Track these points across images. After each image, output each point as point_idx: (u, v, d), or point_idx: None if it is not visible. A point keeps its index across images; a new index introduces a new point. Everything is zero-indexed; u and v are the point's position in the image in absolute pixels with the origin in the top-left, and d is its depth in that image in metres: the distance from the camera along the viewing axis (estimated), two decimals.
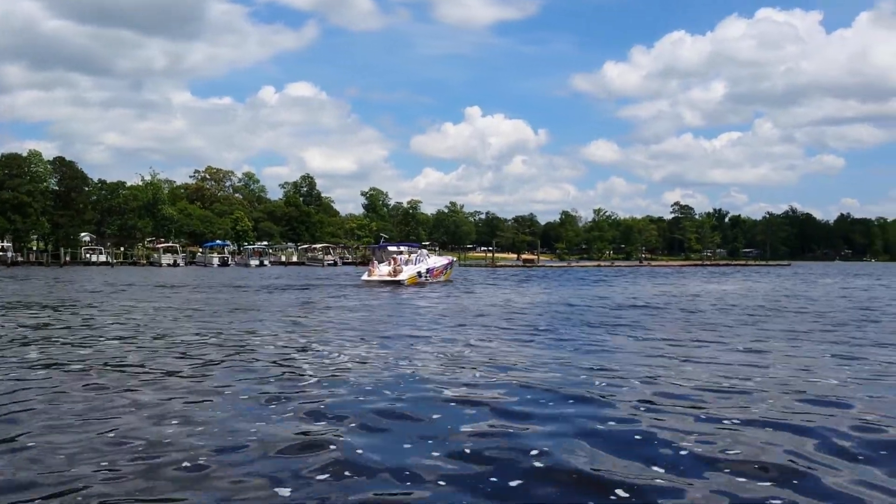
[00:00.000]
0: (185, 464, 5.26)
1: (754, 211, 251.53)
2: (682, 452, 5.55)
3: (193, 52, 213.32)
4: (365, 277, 37.52)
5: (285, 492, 4.73)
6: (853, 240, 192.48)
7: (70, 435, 6.02)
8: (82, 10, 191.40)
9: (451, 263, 46.28)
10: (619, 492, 4.74)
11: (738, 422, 6.50)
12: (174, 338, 12.89)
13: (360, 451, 5.56)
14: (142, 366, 9.66)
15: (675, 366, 9.79)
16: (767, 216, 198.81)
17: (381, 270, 37.90)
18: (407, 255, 39.80)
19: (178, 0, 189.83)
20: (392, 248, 43.32)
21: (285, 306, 21.54)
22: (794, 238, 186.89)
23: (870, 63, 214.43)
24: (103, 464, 5.24)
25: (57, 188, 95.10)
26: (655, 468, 5.21)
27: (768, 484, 4.89)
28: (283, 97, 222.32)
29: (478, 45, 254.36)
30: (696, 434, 6.08)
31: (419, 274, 37.89)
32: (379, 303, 23.28)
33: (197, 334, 13.46)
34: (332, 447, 5.68)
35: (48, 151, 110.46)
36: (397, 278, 36.11)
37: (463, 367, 9.61)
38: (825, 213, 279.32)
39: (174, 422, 6.48)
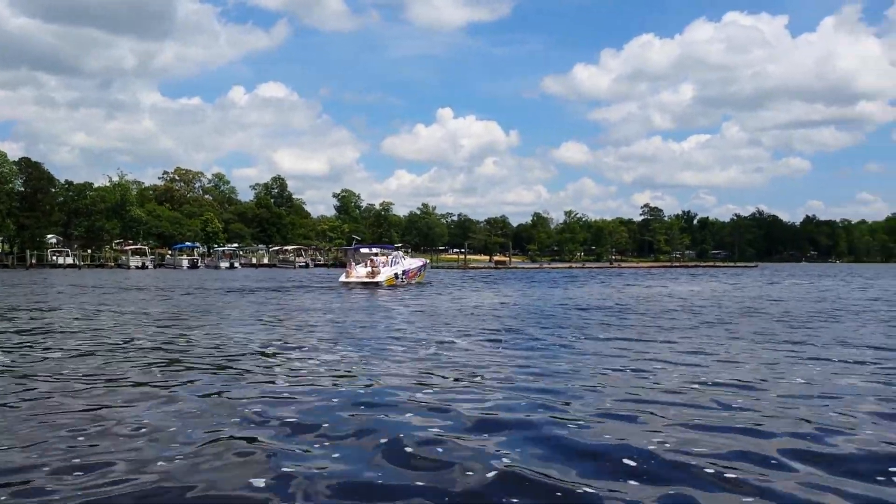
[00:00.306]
0: (143, 466, 5.23)
1: (723, 213, 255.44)
2: (649, 457, 5.59)
3: (163, 52, 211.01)
4: (342, 279, 37.62)
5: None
6: (819, 241, 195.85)
7: (28, 450, 5.96)
8: (49, 8, 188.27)
9: (424, 266, 46.45)
10: (583, 495, 4.79)
11: (706, 425, 6.58)
12: (136, 342, 12.73)
13: (321, 460, 5.56)
14: (99, 372, 9.54)
15: (645, 368, 9.89)
16: (735, 218, 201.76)
17: (359, 272, 37.99)
18: (384, 257, 39.88)
19: None
20: (364, 251, 43.37)
21: (257, 309, 21.40)
22: (761, 240, 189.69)
23: (834, 67, 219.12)
24: (57, 469, 5.20)
25: (22, 189, 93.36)
26: (622, 472, 5.26)
27: (732, 476, 4.99)
28: (253, 98, 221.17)
29: (449, 47, 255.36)
30: (663, 438, 6.15)
31: (396, 276, 38.01)
32: (356, 305, 23.25)
33: (160, 339, 13.32)
34: (282, 452, 5.67)
35: (13, 152, 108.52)
36: (375, 280, 36.22)
37: (433, 371, 9.62)
38: (792, 215, 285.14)
39: (133, 427, 6.40)
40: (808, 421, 6.72)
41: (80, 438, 6.06)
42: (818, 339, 13.32)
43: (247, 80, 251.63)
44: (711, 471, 5.23)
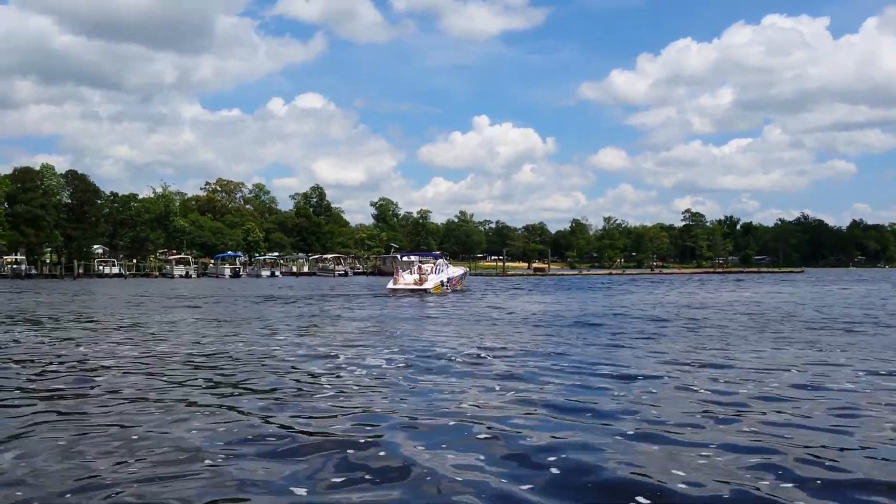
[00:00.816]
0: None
1: (766, 218, 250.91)
2: (698, 486, 5.39)
3: (202, 66, 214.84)
4: (390, 286, 38.13)
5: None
6: (866, 246, 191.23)
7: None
8: (92, 25, 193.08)
9: (465, 274, 46.80)
10: None
11: (755, 447, 6.35)
12: (177, 353, 12.78)
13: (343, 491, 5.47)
14: (159, 381, 9.59)
15: (691, 382, 9.53)
16: (779, 223, 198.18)
17: (406, 279, 38.50)
18: (429, 265, 40.28)
19: (186, 14, 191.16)
20: (406, 258, 43.94)
21: (308, 316, 21.67)
22: (805, 245, 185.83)
23: (878, 68, 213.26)
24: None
25: (69, 201, 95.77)
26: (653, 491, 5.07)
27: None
28: (291, 109, 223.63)
29: (484, 55, 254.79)
30: (707, 461, 5.93)
31: (442, 283, 38.27)
32: (405, 313, 23.29)
33: (204, 350, 13.33)
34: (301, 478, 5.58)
35: (59, 165, 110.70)
36: (423, 287, 36.58)
37: (476, 390, 9.45)
38: (837, 218, 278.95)
39: (193, 427, 6.36)
40: (860, 449, 6.43)
41: (96, 453, 6.04)
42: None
43: (285, 91, 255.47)
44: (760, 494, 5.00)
